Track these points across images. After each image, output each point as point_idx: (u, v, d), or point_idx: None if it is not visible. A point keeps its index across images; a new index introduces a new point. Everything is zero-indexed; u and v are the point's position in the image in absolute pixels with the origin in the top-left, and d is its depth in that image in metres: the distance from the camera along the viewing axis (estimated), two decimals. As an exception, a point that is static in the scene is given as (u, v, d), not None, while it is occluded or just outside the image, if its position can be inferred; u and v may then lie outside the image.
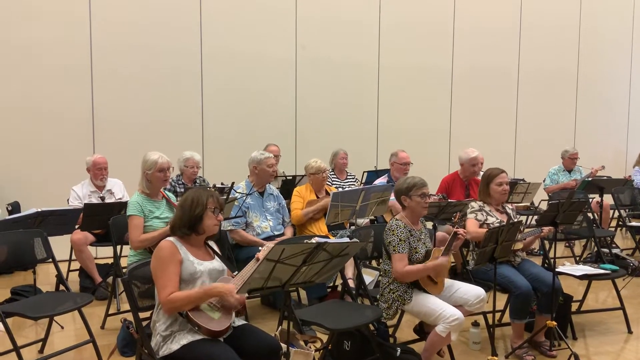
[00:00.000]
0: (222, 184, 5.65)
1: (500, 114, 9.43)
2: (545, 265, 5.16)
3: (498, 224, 4.01)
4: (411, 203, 3.65)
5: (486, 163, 5.71)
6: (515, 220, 4.12)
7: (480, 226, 4.06)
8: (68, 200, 5.62)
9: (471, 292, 3.61)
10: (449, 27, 8.90)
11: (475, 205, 4.22)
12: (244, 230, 4.73)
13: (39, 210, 4.49)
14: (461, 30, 8.95)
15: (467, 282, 3.81)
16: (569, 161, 7.72)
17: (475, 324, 4.14)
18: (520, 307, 3.90)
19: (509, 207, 4.34)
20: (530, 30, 9.44)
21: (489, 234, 3.44)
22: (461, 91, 9.05)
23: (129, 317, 4.21)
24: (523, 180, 7.05)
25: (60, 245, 4.19)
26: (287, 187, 5.92)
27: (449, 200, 5.05)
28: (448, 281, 3.70)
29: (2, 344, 4.02)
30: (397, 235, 3.54)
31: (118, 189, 5.78)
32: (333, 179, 6.56)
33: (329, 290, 4.96)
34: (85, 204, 5.08)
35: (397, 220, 3.63)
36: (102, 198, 5.54)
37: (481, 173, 5.40)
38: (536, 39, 9.49)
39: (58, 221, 4.62)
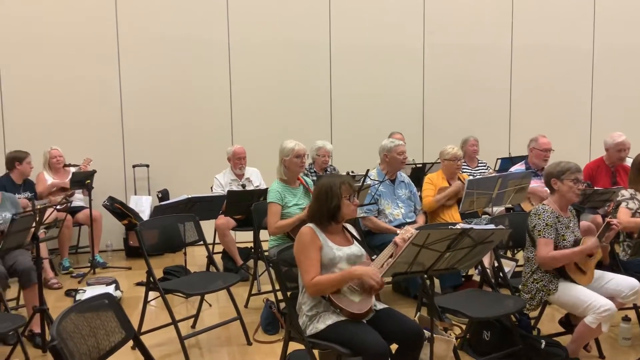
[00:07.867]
0: (351, 172, 5.75)
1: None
2: None
3: (654, 213, 3.72)
4: (562, 187, 3.48)
5: (633, 148, 5.29)
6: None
7: (632, 215, 3.78)
8: (211, 187, 6.02)
9: (624, 283, 3.41)
10: (589, 5, 8.28)
11: (626, 193, 3.94)
12: (376, 217, 4.79)
13: (189, 196, 4.86)
14: (603, 9, 8.27)
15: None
16: None
17: (627, 319, 3.86)
18: (680, 302, 3.60)
19: (665, 196, 4.00)
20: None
21: (647, 223, 3.20)
22: (604, 72, 8.38)
23: (270, 297, 4.46)
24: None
25: (203, 229, 4.55)
26: (417, 174, 5.88)
27: (595, 188, 4.74)
28: (598, 272, 3.50)
29: (157, 318, 4.43)
30: (543, 220, 3.41)
31: (255, 177, 6.11)
32: (463, 167, 6.39)
33: (463, 279, 4.88)
34: (228, 191, 5.44)
35: (544, 205, 3.50)
36: (243, 186, 5.88)
37: (629, 159, 5.02)
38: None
39: (206, 207, 4.98)
